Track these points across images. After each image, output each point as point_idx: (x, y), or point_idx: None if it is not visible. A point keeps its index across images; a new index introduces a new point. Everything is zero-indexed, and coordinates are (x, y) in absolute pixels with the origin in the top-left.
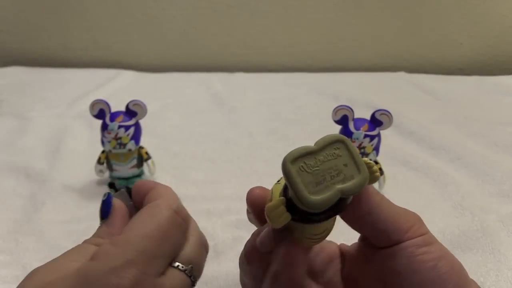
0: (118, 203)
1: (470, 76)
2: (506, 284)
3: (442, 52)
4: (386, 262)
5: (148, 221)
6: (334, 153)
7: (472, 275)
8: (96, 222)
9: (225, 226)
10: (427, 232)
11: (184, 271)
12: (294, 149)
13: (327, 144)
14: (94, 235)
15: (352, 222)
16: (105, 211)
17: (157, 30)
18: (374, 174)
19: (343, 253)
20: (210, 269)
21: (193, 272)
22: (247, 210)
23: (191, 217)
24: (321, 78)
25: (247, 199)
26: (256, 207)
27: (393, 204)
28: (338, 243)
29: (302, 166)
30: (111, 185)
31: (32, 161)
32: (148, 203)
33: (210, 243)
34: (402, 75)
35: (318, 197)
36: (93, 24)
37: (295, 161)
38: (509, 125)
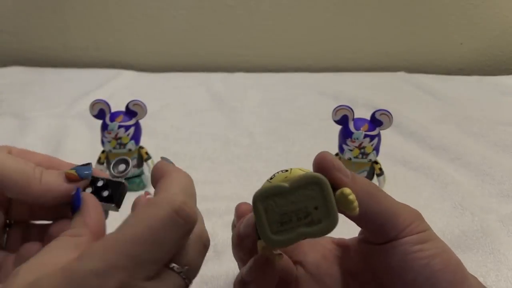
0: (87, 195)
1: (470, 76)
2: (506, 284)
3: (442, 52)
4: (381, 258)
5: (141, 223)
6: (307, 194)
7: None
8: None
9: (225, 226)
10: (426, 229)
11: (179, 273)
12: (267, 187)
13: (301, 185)
14: (70, 227)
15: (352, 216)
16: (76, 205)
17: (157, 30)
18: (354, 210)
19: (343, 247)
20: (210, 269)
21: (189, 274)
22: (233, 224)
23: (198, 214)
24: (321, 78)
25: (236, 212)
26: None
27: (394, 200)
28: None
29: (271, 204)
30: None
31: None
32: (156, 194)
33: (210, 243)
34: (402, 75)
35: (279, 237)
36: (93, 24)
37: (265, 199)
38: (509, 125)
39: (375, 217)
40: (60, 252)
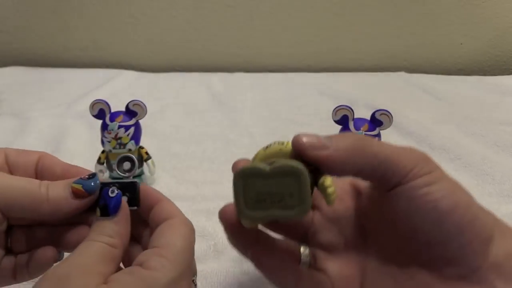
0: (124, 203)
1: (470, 76)
2: None
3: (442, 52)
4: (388, 203)
5: (182, 237)
6: (285, 181)
7: None
8: None
9: None
10: (431, 171)
11: (192, 281)
12: (250, 166)
13: (281, 172)
14: (100, 233)
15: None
16: (114, 207)
17: (157, 30)
18: (331, 202)
19: (357, 190)
20: (210, 266)
21: (196, 281)
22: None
23: None
24: (321, 78)
25: (233, 170)
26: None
27: (390, 147)
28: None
29: (250, 182)
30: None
31: None
32: (160, 217)
33: (210, 242)
34: (402, 75)
35: (251, 213)
36: (93, 24)
37: (245, 177)
38: (509, 125)
39: (372, 170)
40: (104, 260)
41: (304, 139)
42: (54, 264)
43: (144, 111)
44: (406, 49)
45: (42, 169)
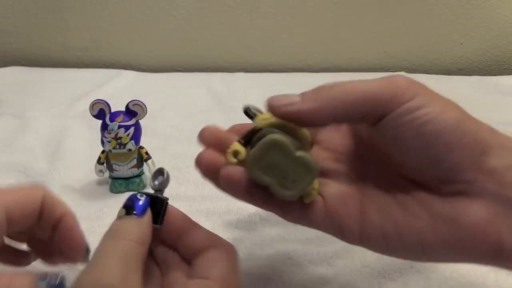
0: (149, 209)
1: (470, 76)
2: (505, 284)
3: (442, 52)
4: (378, 135)
5: (234, 270)
6: (298, 169)
7: (471, 275)
8: (96, 222)
9: (225, 226)
10: (415, 96)
11: None
12: (285, 141)
13: (301, 162)
14: (127, 231)
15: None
16: (141, 208)
17: (157, 30)
18: (310, 198)
19: None
20: None
21: None
22: None
23: None
24: (321, 78)
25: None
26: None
27: (371, 80)
28: None
29: (275, 152)
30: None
31: (32, 161)
32: (200, 244)
33: None
34: (402, 75)
35: (256, 171)
36: (93, 24)
37: (276, 145)
38: (509, 125)
39: (350, 110)
40: (134, 264)
41: (273, 99)
42: (84, 268)
43: (144, 111)
44: (406, 49)
45: (43, 210)
